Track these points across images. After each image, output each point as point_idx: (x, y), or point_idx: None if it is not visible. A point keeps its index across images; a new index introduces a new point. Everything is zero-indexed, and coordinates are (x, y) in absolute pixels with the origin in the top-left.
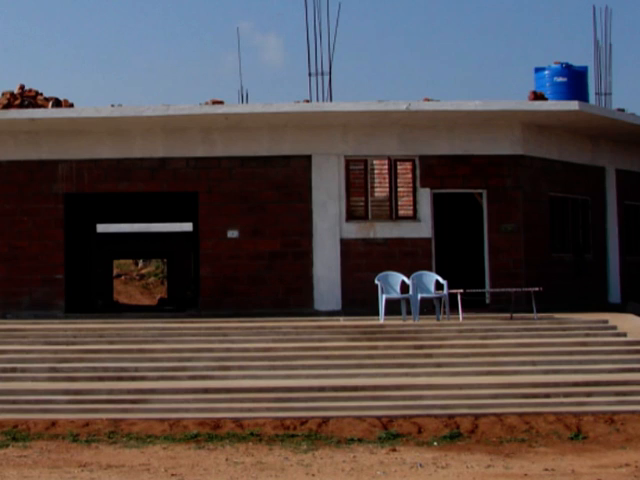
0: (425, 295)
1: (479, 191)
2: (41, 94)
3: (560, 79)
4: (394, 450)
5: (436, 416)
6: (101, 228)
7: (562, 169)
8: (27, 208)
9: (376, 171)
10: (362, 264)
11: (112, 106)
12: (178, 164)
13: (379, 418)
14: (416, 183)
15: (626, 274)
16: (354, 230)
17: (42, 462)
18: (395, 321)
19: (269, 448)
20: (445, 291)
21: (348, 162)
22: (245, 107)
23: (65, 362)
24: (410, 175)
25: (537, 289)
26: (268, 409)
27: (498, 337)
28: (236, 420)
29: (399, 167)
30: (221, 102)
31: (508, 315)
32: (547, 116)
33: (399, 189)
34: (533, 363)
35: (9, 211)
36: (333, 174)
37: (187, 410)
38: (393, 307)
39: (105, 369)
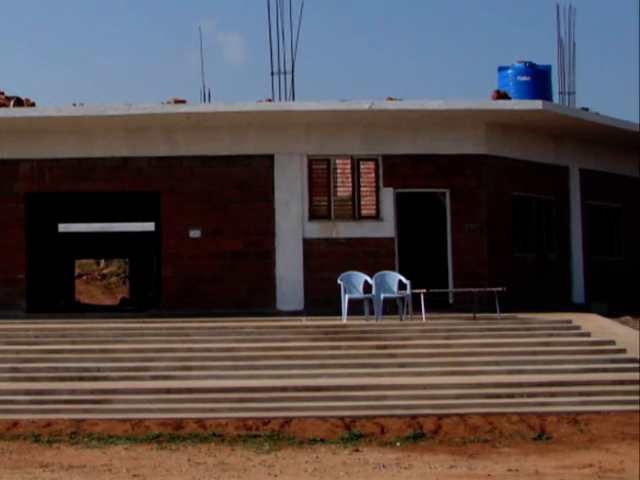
0: (388, 295)
1: (442, 190)
2: (2, 93)
3: (523, 78)
4: (357, 450)
5: (399, 416)
6: (63, 228)
7: (526, 168)
8: None
9: (339, 170)
10: (325, 264)
11: (74, 105)
12: (140, 163)
13: (342, 418)
14: (379, 182)
15: (590, 274)
16: (317, 230)
17: (3, 462)
18: (358, 321)
19: (231, 449)
20: (408, 291)
21: (311, 161)
22: (207, 106)
23: (27, 362)
24: (373, 174)
25: (500, 289)
26: (230, 409)
27: (461, 337)
28: (198, 420)
29: (362, 166)
30: (183, 101)
31: (471, 315)
32: (510, 115)
33: (362, 189)
34: (497, 363)
35: None
36: (296, 173)
37: (149, 410)
38: (356, 307)
39: (67, 369)
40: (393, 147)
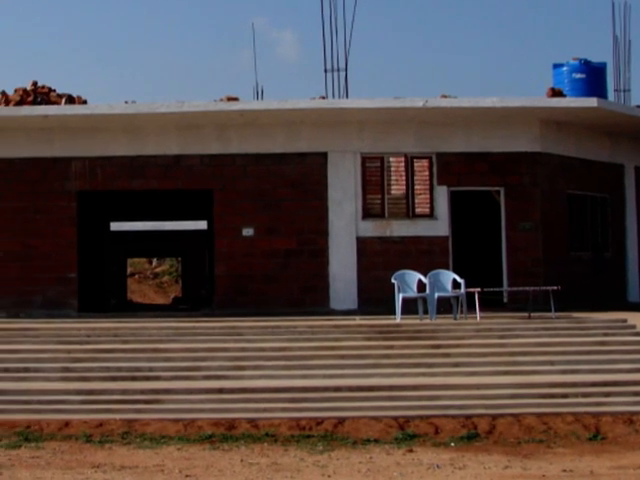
0: (442, 294)
1: (497, 189)
2: (54, 91)
3: (578, 75)
4: (411, 451)
5: (453, 416)
6: (115, 226)
7: (580, 166)
8: (40, 206)
9: (393, 168)
10: (378, 262)
11: (126, 103)
12: (192, 161)
13: (396, 418)
14: (433, 180)
15: None
16: (370, 228)
17: (55, 463)
18: (412, 320)
19: (284, 449)
20: (462, 290)
21: (364, 159)
22: (260, 104)
23: (78, 362)
24: (427, 172)
25: (555, 288)
26: (284, 409)
27: (516, 336)
28: (251, 420)
29: (416, 164)
30: (236, 99)
31: (526, 314)
32: (565, 113)
33: (416, 187)
34: (551, 363)
35: (22, 209)
36: (349, 172)
37: (202, 410)
38: (410, 306)
39: (119, 369)
40: (447, 145)
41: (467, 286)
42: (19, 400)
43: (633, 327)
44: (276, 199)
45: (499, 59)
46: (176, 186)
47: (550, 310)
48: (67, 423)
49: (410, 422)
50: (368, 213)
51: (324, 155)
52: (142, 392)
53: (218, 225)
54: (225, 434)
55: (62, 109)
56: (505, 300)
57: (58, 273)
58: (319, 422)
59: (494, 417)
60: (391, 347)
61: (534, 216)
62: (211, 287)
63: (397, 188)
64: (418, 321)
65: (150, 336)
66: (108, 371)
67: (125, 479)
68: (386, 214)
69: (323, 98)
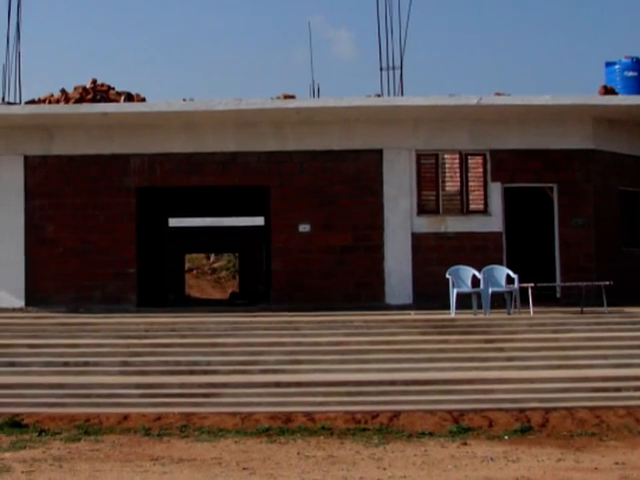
0: (496, 289)
1: (550, 185)
2: (113, 88)
3: (631, 74)
4: (465, 444)
5: (507, 410)
6: (173, 222)
7: (633, 163)
8: (99, 202)
9: (447, 165)
10: (433, 258)
11: (184, 100)
12: (250, 158)
13: (450, 412)
14: (487, 177)
15: None
16: (425, 224)
17: (114, 456)
18: (466, 315)
19: (340, 442)
20: (516, 285)
21: (419, 156)
22: (316, 101)
23: (137, 356)
24: (481, 169)
25: (608, 283)
26: (339, 403)
27: (569, 331)
28: (307, 414)
29: (470, 161)
30: (292, 96)
31: (579, 309)
32: (617, 110)
33: (470, 183)
34: (604, 357)
35: (81, 205)
36: (404, 168)
37: (259, 404)
38: (464, 301)
39: (177, 363)
40: (501, 142)
41: (520, 281)
42: (79, 394)
43: None
44: (332, 195)
45: (552, 58)
46: (233, 182)
47: (602, 305)
48: (126, 417)
49: (464, 415)
50: (423, 209)
51: (379, 152)
52: (200, 386)
53: (275, 221)
54: (282, 427)
55: (121, 107)
56: (558, 295)
57: (117, 268)
58: (375, 415)
59: (547, 410)
60: (445, 341)
61: (587, 212)
62: (268, 282)
63: (451, 185)
64: (472, 316)
65: (208, 331)
66: (166, 365)
67: (183, 472)
68: (441, 210)
69: (378, 96)
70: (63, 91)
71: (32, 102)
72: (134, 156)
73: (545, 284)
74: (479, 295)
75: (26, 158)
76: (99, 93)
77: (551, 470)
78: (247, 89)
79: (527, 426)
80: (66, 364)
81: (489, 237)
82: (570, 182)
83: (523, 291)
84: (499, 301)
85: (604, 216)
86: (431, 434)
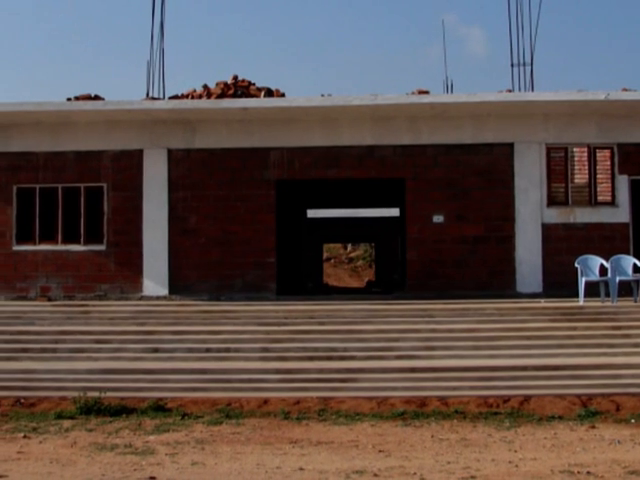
0: (623, 278)
1: None
2: (254, 84)
3: None
4: (593, 427)
5: (634, 394)
6: (311, 213)
7: None
8: (240, 194)
9: (576, 158)
10: (562, 248)
11: (322, 96)
12: (385, 152)
13: (578, 396)
14: (614, 170)
15: None
16: (555, 215)
17: (254, 439)
18: (594, 303)
19: (473, 425)
20: None
21: (549, 150)
22: (450, 97)
23: (277, 342)
24: (609, 162)
25: None
26: (472, 387)
27: None
28: (441, 398)
29: (598, 154)
30: (427, 92)
31: None
32: None
33: (598, 176)
34: None
35: (223, 197)
36: (534, 161)
37: (394, 389)
38: (592, 289)
39: (315, 349)
40: (628, 136)
41: None
42: (221, 379)
43: None
44: (465, 187)
45: None
46: (369, 175)
47: None
48: (266, 401)
49: (592, 400)
50: (552, 201)
51: (510, 145)
52: (337, 371)
53: (410, 212)
54: (416, 411)
55: (261, 102)
56: None
57: (257, 258)
58: (506, 400)
59: None
60: (574, 328)
61: None
62: (403, 271)
63: (580, 177)
64: (600, 304)
65: (345, 318)
66: (305, 351)
67: (321, 454)
68: (570, 202)
69: (510, 91)
70: (205, 87)
71: (175, 97)
72: (274, 149)
73: None
74: (607, 284)
75: (169, 151)
76: (240, 89)
77: None
78: (382, 85)
79: None
80: (208, 350)
81: (616, 228)
82: None
83: None
84: (626, 289)
85: None
86: (560, 417)
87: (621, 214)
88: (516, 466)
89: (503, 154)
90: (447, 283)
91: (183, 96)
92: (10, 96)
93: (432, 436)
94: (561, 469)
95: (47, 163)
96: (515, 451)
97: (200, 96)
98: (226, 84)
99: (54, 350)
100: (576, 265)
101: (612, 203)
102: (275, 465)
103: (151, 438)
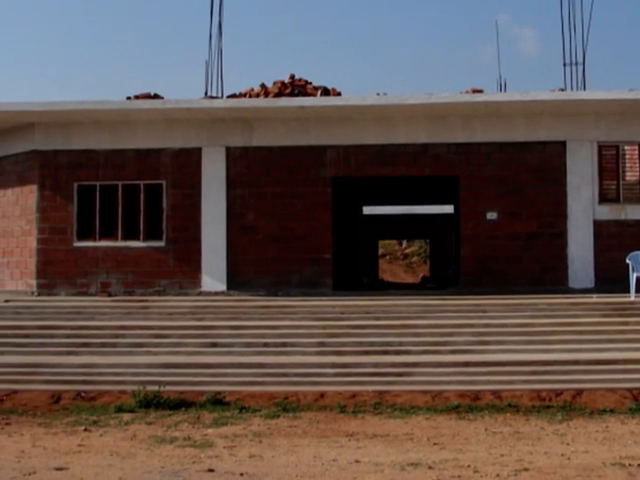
0: None
1: None
2: (310, 83)
3: None
4: None
5: None
6: (367, 210)
7: None
8: (297, 191)
9: (627, 156)
10: (613, 244)
11: (377, 95)
12: (439, 149)
13: (630, 390)
14: None
15: None
16: (606, 212)
17: (311, 432)
18: None
19: (526, 419)
20: None
21: (600, 147)
22: (503, 96)
23: (333, 337)
24: None
25: None
26: (525, 381)
27: None
28: (495, 392)
29: None
30: (480, 91)
31: None
32: None
33: None
34: None
35: (280, 194)
36: (586, 159)
37: (448, 382)
38: None
39: (371, 344)
40: None
41: None
42: (278, 373)
43: None
44: (518, 185)
45: None
46: (424, 173)
47: None
48: (322, 394)
49: None
50: (604, 198)
51: (563, 143)
52: (393, 365)
53: (464, 209)
54: (470, 405)
55: (318, 100)
56: None
57: (314, 254)
58: (558, 393)
59: None
60: (626, 323)
61: None
62: (457, 267)
63: (631, 174)
64: None
65: (400, 313)
66: (361, 346)
67: (377, 447)
68: (621, 199)
69: (562, 90)
70: (263, 86)
71: (233, 96)
72: (330, 147)
73: None
74: None
75: (228, 149)
76: (297, 87)
77: None
78: (436, 84)
79: None
80: (266, 345)
81: None
82: None
83: None
84: None
85: None
86: (612, 411)
87: None
88: (568, 459)
89: (555, 152)
90: (500, 279)
91: (241, 95)
92: (71, 95)
93: (486, 429)
94: (612, 462)
95: (107, 161)
96: (567, 444)
97: (258, 95)
98: (283, 83)
99: (114, 345)
100: (627, 261)
101: None
102: (331, 458)
103: (209, 431)
